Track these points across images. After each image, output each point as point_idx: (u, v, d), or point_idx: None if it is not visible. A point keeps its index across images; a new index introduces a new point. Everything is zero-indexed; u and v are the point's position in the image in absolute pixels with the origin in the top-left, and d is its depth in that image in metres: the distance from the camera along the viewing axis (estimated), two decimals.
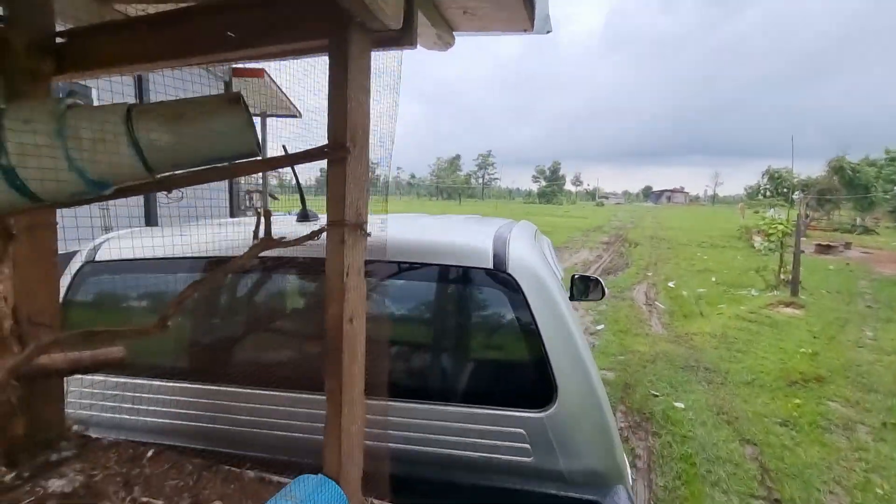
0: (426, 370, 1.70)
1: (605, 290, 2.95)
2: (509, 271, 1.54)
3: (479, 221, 2.24)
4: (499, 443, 1.47)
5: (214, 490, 1.30)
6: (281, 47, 1.12)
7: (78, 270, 1.85)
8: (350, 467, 1.13)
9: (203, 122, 0.92)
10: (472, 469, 1.49)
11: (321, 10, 1.04)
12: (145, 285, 1.92)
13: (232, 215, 6.93)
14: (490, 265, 1.56)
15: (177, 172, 1.00)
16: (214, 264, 1.79)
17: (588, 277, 2.98)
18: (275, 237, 1.11)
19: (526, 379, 1.54)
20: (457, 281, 1.65)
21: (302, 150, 1.05)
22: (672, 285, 9.59)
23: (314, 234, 1.09)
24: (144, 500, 1.24)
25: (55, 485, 1.28)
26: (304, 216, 1.84)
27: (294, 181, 1.69)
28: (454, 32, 1.41)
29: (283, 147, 1.23)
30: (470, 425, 1.48)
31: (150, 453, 1.48)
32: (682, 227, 27.79)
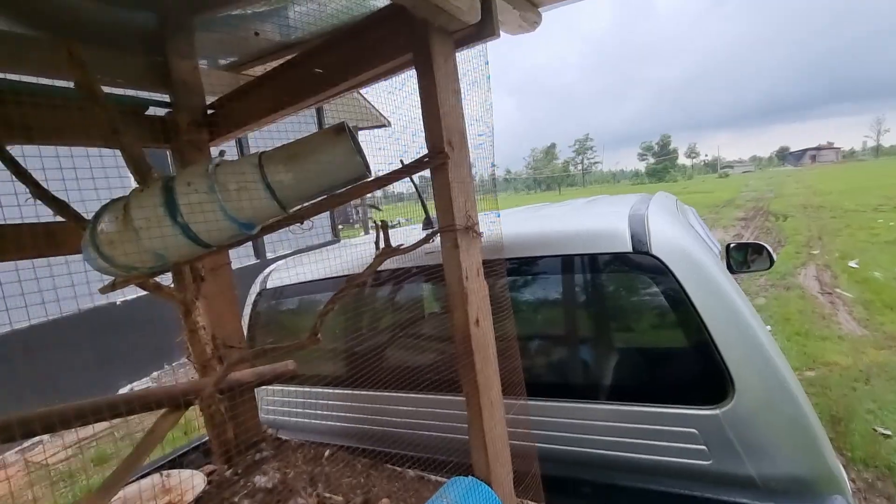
0: (575, 368, 1.60)
1: (773, 256, 2.46)
2: (653, 252, 1.37)
3: (607, 202, 2.07)
4: (666, 443, 1.31)
5: (382, 488, 1.42)
6: (374, 72, 1.17)
7: (256, 297, 2.20)
8: (499, 469, 1.12)
9: (314, 158, 1.00)
10: (637, 471, 1.36)
11: (400, 26, 1.05)
12: (303, 305, 2.20)
13: (333, 231, 7.63)
14: (628, 248, 1.41)
15: (304, 204, 1.11)
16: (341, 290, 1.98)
17: (747, 244, 2.53)
18: (393, 246, 1.16)
19: (690, 372, 1.35)
20: (593, 270, 1.52)
21: (407, 162, 1.08)
22: (855, 265, 7.12)
23: (426, 239, 1.11)
24: (326, 495, 1.40)
25: (260, 481, 1.53)
26: (428, 223, 1.91)
27: (412, 191, 1.76)
28: (539, 8, 1.31)
29: (401, 161, 1.29)
30: (629, 424, 1.36)
31: (327, 453, 1.68)
32: (841, 189, 21.54)
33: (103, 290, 1.25)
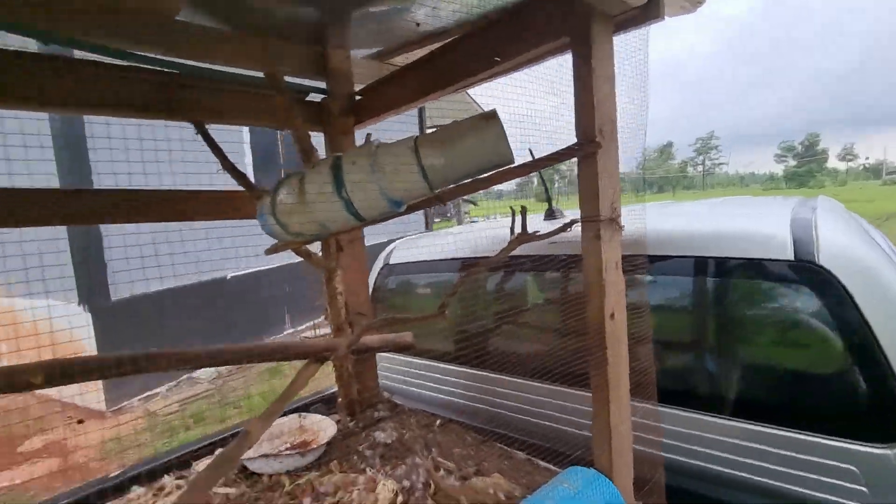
0: (712, 379, 1.48)
1: None
2: (821, 262, 1.21)
3: (758, 203, 1.86)
4: (813, 476, 1.18)
5: (492, 463, 1.47)
6: (526, 56, 1.17)
7: (380, 271, 2.38)
8: (621, 466, 1.10)
9: (465, 142, 1.04)
10: (772, 497, 1.24)
11: (557, 10, 1.04)
12: (423, 281, 2.33)
13: (427, 225, 7.85)
14: (790, 255, 1.26)
15: (448, 187, 1.17)
16: (472, 263, 2.05)
17: None
18: (529, 232, 1.17)
19: (855, 402, 1.18)
20: (743, 277, 1.39)
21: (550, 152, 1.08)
22: None
23: (565, 227, 1.10)
24: (440, 459, 1.50)
25: (380, 436, 1.69)
26: (550, 214, 1.89)
27: (539, 182, 1.76)
28: None
29: (530, 151, 1.30)
30: (771, 448, 1.24)
31: (438, 423, 1.79)
32: None
33: (268, 252, 1.45)
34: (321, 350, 1.57)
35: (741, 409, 1.32)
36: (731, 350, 1.43)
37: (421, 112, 6.84)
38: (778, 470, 1.22)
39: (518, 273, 1.98)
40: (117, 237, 4.68)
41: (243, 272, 6.19)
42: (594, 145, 0.97)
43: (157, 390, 5.17)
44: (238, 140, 5.95)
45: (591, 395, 1.53)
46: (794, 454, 1.21)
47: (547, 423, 1.69)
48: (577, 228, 1.16)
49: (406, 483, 1.38)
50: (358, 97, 1.85)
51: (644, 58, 1.09)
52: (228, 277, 6.25)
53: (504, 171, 1.10)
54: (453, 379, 2.04)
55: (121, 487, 1.49)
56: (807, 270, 1.21)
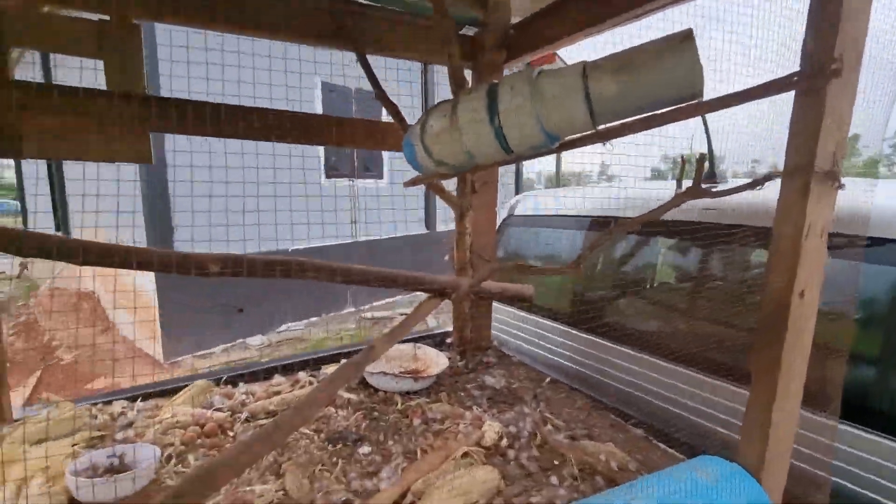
0: None
1: None
2: None
3: None
4: None
5: (604, 432, 1.39)
6: None
7: (504, 220, 2.34)
8: (775, 469, 0.93)
9: (649, 67, 0.90)
10: None
11: None
12: (546, 234, 2.23)
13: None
14: None
15: (612, 124, 1.04)
16: (600, 222, 1.89)
17: None
18: (702, 186, 1.00)
19: None
20: None
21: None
22: None
23: (759, 182, 0.91)
24: (548, 415, 1.45)
25: (488, 380, 1.70)
26: (710, 175, 1.63)
27: (705, 134, 1.51)
28: None
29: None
30: None
31: (547, 380, 1.74)
32: None
33: (407, 184, 1.47)
34: (445, 286, 1.60)
35: None
36: None
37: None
38: None
39: (663, 239, 1.76)
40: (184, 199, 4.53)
41: (305, 247, 5.49)
42: (829, 74, 0.76)
43: (212, 350, 5.27)
44: (309, 97, 5.57)
45: (734, 388, 1.34)
46: None
47: (662, 404, 1.53)
48: (767, 192, 0.96)
49: (512, 429, 1.37)
50: (511, 31, 1.75)
51: None
52: (290, 250, 6.34)
53: (688, 108, 0.93)
54: (570, 343, 1.94)
55: (268, 373, 1.73)
56: None
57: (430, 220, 7.73)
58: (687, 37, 0.87)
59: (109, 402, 1.47)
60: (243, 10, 1.41)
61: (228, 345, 5.39)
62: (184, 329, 4.98)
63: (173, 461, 1.20)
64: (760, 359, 0.91)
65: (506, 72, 1.84)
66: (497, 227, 2.41)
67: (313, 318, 6.20)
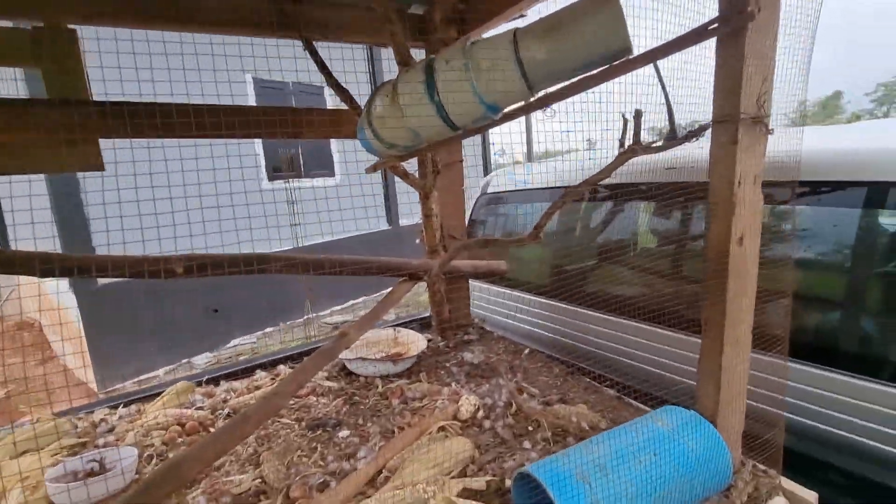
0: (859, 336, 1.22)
1: None
2: None
3: None
4: None
5: (578, 394, 1.42)
6: None
7: (478, 199, 2.34)
8: (729, 415, 0.96)
9: (576, 26, 0.90)
10: None
11: None
12: (521, 209, 2.24)
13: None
14: None
15: (550, 89, 1.04)
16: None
17: None
18: (641, 143, 1.01)
19: None
20: None
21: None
22: None
23: (693, 134, 0.92)
24: (524, 385, 1.48)
25: (468, 356, 1.72)
26: (672, 136, 1.63)
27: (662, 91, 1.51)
28: None
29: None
30: None
31: (526, 351, 1.77)
32: None
33: (368, 170, 1.47)
34: (416, 269, 1.61)
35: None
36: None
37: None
38: None
39: (621, 204, 1.78)
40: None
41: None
42: (744, 17, 0.76)
43: (155, 373, 4.82)
44: (241, 91, 5.42)
45: (697, 340, 1.37)
46: None
47: (643, 365, 1.56)
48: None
49: (488, 400, 1.39)
50: (461, 4, 1.72)
51: None
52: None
53: (619, 65, 0.93)
54: (540, 311, 1.97)
55: (249, 370, 1.75)
56: None
57: (391, 214, 7.41)
58: None
59: (91, 412, 1.49)
60: (178, 7, 1.39)
61: (172, 366, 4.90)
62: (118, 352, 4.46)
63: (154, 461, 1.22)
64: (709, 308, 0.93)
65: None
66: (473, 207, 2.43)
67: (268, 329, 5.75)
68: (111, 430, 1.36)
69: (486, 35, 1.13)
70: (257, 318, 5.68)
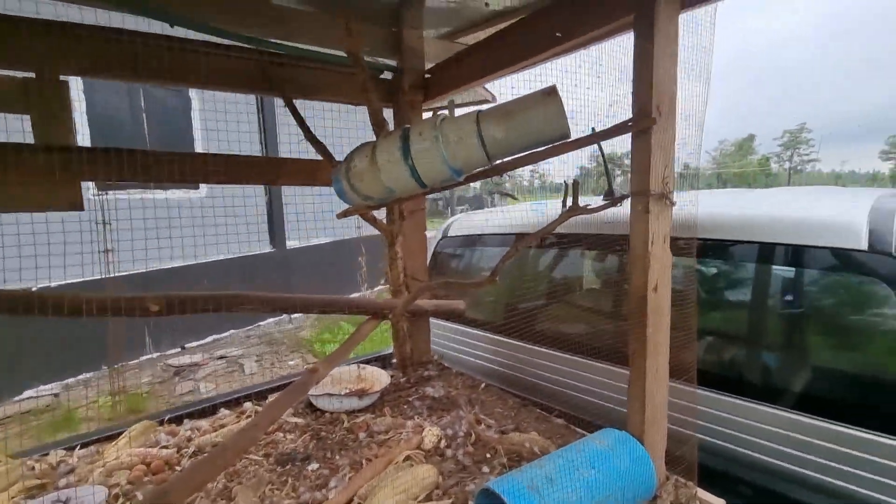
0: (759, 368, 1.47)
1: None
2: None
3: (837, 192, 1.76)
4: (867, 474, 1.16)
5: (530, 424, 1.57)
6: (589, 35, 1.22)
7: (439, 241, 2.52)
8: (654, 433, 1.15)
9: (526, 116, 1.12)
10: (807, 486, 1.23)
11: None
12: (479, 253, 2.44)
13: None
14: (863, 245, 1.22)
15: (506, 160, 1.25)
16: (522, 237, 2.13)
17: None
18: (580, 206, 1.23)
19: None
20: (807, 267, 1.36)
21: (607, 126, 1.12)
22: None
23: (616, 201, 1.15)
24: (482, 416, 1.62)
25: (429, 391, 1.84)
26: (609, 194, 1.91)
27: (601, 159, 1.78)
28: None
29: (592, 128, 1.34)
30: (824, 443, 1.23)
31: (482, 385, 1.91)
32: None
33: (339, 216, 1.61)
34: (381, 308, 1.74)
35: (775, 395, 1.31)
36: (780, 341, 1.41)
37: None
38: (828, 465, 1.21)
39: (566, 251, 2.02)
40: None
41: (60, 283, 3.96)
42: (649, 120, 1.01)
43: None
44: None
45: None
46: (854, 452, 1.19)
47: (579, 395, 1.75)
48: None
49: (449, 431, 1.51)
50: (427, 75, 1.96)
51: (710, 37, 1.09)
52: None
53: (561, 145, 1.16)
54: (495, 348, 2.14)
55: (213, 410, 1.77)
56: (884, 263, 1.16)
57: (275, 235, 6.49)
58: (551, 92, 1.10)
59: (46, 454, 1.45)
60: (173, 66, 1.51)
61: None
62: None
63: (121, 500, 1.23)
64: (633, 343, 1.13)
65: (426, 109, 2.04)
66: (434, 248, 2.60)
67: (86, 375, 4.47)
68: (72, 471, 1.34)
69: (436, 106, 1.34)
70: (77, 356, 4.35)
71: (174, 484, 0.99)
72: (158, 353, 5.13)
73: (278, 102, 1.74)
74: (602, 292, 1.94)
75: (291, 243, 6.62)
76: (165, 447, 1.47)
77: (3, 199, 1.40)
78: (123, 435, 1.53)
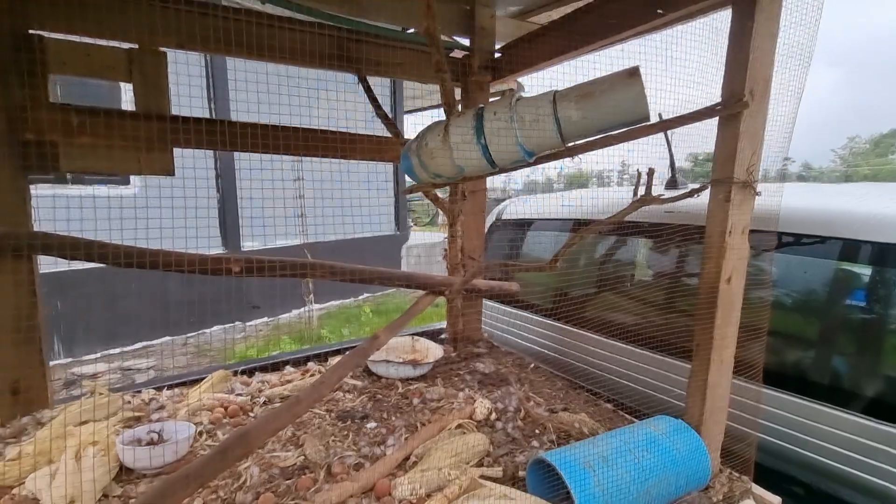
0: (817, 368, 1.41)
1: None
2: None
3: None
4: None
5: (579, 406, 1.59)
6: (688, 10, 1.17)
7: (492, 224, 2.54)
8: (712, 424, 1.14)
9: (606, 97, 1.11)
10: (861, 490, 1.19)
11: None
12: (531, 236, 2.44)
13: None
14: None
15: (579, 142, 1.25)
16: (579, 224, 2.11)
17: None
18: (652, 195, 1.21)
19: None
20: (867, 261, 1.28)
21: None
22: None
23: (695, 192, 1.12)
24: (531, 394, 1.65)
25: (479, 366, 1.89)
26: (672, 183, 1.85)
27: (667, 147, 1.73)
28: None
29: (659, 115, 1.30)
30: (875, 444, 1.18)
31: (532, 365, 1.94)
32: None
33: (404, 192, 1.67)
34: (439, 284, 1.80)
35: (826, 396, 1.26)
36: (847, 342, 1.34)
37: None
38: (869, 463, 1.17)
39: (626, 239, 1.98)
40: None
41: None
42: (740, 105, 0.97)
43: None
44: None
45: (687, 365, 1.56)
46: None
47: (628, 382, 1.74)
48: (704, 197, 1.17)
49: (500, 405, 1.56)
50: (497, 55, 1.95)
51: (816, 18, 1.03)
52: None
53: (639, 129, 1.15)
54: (545, 331, 2.15)
55: (280, 365, 1.91)
56: None
57: (228, 235, 5.65)
58: (634, 73, 1.08)
59: (139, 391, 1.64)
60: (257, 40, 1.59)
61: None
62: None
63: (204, 437, 1.37)
64: (699, 334, 1.12)
65: (492, 89, 2.04)
66: (487, 230, 2.62)
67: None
68: (162, 408, 1.51)
69: (510, 86, 1.34)
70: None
71: (253, 428, 1.09)
72: (72, 359, 4.64)
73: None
74: (656, 283, 1.89)
75: (249, 244, 5.81)
76: (240, 395, 1.61)
77: (107, 162, 1.55)
78: (206, 379, 1.69)
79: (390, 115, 1.81)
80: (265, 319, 6.05)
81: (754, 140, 1.02)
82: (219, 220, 5.65)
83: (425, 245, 8.37)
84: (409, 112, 7.32)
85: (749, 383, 1.25)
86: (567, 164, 1.28)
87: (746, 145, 1.01)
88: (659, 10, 1.16)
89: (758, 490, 1.16)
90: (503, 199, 2.92)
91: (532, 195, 2.92)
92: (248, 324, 5.75)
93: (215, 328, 5.54)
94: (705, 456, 1.10)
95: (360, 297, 7.06)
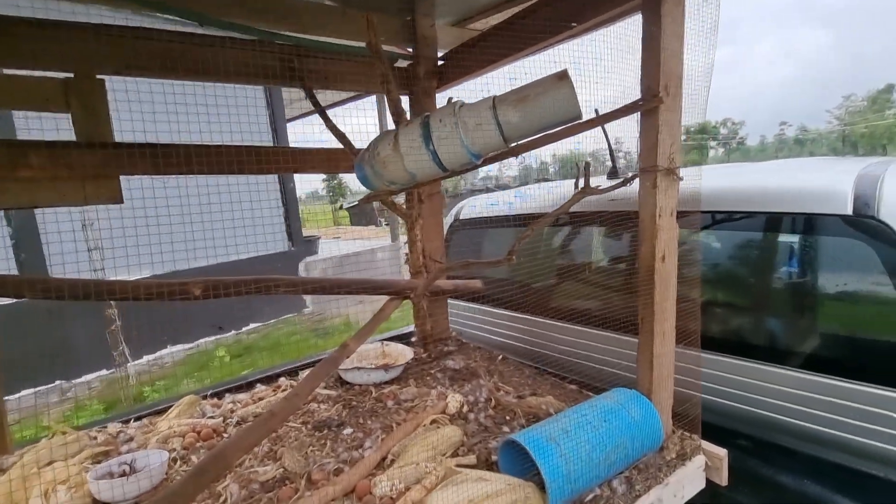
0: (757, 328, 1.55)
1: None
2: (881, 217, 1.23)
3: (850, 161, 1.82)
4: (857, 422, 1.25)
5: (546, 389, 1.68)
6: (599, 19, 1.28)
7: (451, 225, 2.61)
8: (661, 391, 1.25)
9: (540, 99, 1.19)
10: (809, 440, 1.33)
11: None
12: (488, 235, 2.53)
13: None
14: (847, 210, 1.29)
15: (521, 142, 1.33)
16: (531, 218, 2.21)
17: None
18: (591, 186, 1.31)
19: None
20: (794, 233, 1.44)
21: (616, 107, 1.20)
22: None
23: (627, 181, 1.23)
24: (500, 384, 1.73)
25: (449, 364, 1.95)
26: (613, 173, 1.98)
27: (605, 141, 1.85)
28: None
29: (595, 110, 1.41)
30: (806, 392, 1.32)
31: (500, 358, 2.02)
32: None
33: (362, 201, 1.70)
34: (403, 288, 1.85)
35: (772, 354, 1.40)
36: (771, 304, 1.49)
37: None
38: (818, 414, 1.31)
39: (576, 229, 2.10)
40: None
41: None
42: (656, 100, 1.08)
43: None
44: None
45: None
46: (838, 400, 1.29)
47: (596, 365, 1.85)
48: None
49: (471, 398, 1.63)
50: (441, 62, 2.03)
51: (714, 15, 1.15)
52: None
53: (572, 126, 1.24)
54: (510, 324, 2.24)
55: (250, 384, 1.90)
56: (864, 226, 1.24)
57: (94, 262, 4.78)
58: (563, 76, 1.17)
59: (104, 426, 1.60)
60: (199, 62, 1.59)
61: None
62: None
63: (178, 463, 1.36)
64: (642, 310, 1.23)
65: (438, 96, 2.11)
66: (446, 231, 2.69)
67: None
68: (131, 440, 1.48)
69: (446, 93, 1.42)
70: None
71: (228, 445, 1.11)
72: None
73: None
74: (607, 267, 2.02)
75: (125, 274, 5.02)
76: (212, 417, 1.60)
77: (54, 195, 1.51)
78: (174, 406, 1.66)
79: (271, 125, 1.83)
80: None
81: (672, 131, 1.14)
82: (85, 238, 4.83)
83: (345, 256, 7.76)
84: (291, 120, 6.66)
85: (692, 350, 1.38)
86: (560, 148, 1.35)
87: (666, 136, 1.12)
88: (573, 24, 1.27)
89: (707, 446, 1.28)
90: (454, 196, 3.00)
91: (487, 193, 3.01)
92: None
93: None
94: (657, 420, 1.20)
95: (229, 334, 6.12)
